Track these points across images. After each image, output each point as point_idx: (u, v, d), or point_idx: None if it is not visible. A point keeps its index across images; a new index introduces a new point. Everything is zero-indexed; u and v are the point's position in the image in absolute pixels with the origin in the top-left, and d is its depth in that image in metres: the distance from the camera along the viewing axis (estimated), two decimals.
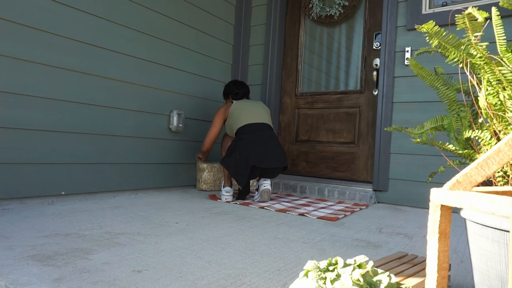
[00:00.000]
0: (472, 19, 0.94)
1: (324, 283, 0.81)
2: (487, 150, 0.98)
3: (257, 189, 2.72)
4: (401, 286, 0.92)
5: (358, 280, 0.79)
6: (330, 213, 2.32)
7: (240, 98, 2.90)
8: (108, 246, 1.42)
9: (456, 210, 2.30)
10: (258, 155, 2.54)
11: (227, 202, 2.62)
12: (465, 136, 1.01)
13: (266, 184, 2.60)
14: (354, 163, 3.20)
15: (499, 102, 0.94)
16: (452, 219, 2.25)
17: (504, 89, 0.93)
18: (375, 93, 3.07)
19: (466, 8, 0.96)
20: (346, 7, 3.30)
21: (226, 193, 2.63)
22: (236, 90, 2.91)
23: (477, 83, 1.02)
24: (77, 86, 2.32)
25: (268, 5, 3.62)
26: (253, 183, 3.23)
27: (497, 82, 0.94)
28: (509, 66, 0.91)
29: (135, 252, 1.36)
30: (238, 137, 2.66)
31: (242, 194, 2.69)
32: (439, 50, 1.06)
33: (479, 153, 1.03)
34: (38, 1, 2.10)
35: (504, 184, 0.96)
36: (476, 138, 1.00)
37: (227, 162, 2.58)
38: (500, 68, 0.92)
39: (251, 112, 2.72)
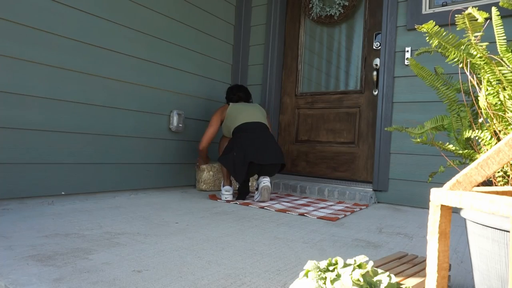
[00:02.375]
0: (472, 19, 0.94)
1: (324, 283, 0.81)
2: (487, 150, 0.98)
3: (256, 189, 2.72)
4: (401, 286, 0.92)
5: (358, 280, 0.79)
6: (330, 213, 2.32)
7: (236, 102, 2.96)
8: (108, 246, 1.42)
9: (456, 210, 2.29)
10: (255, 151, 2.57)
11: (227, 201, 2.62)
12: (465, 136, 1.01)
13: (266, 181, 2.61)
14: (354, 163, 3.20)
15: (499, 102, 0.94)
16: (452, 219, 2.25)
17: (504, 89, 0.93)
18: (375, 93, 3.07)
19: (466, 8, 0.96)
20: (346, 7, 3.30)
21: (226, 192, 2.64)
22: (231, 95, 2.99)
23: (477, 83, 1.02)
24: (77, 86, 2.32)
25: (268, 5, 3.62)
26: (252, 183, 3.23)
27: (497, 82, 0.94)
28: (509, 66, 0.91)
29: (135, 252, 1.36)
30: (235, 136, 2.70)
31: (242, 194, 2.69)
32: (439, 50, 1.06)
33: (479, 153, 1.03)
34: (38, 1, 2.10)
35: (504, 184, 0.96)
36: (476, 138, 1.00)
37: (224, 159, 2.60)
38: (500, 68, 0.92)
39: (247, 113, 2.78)
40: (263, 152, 2.59)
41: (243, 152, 2.56)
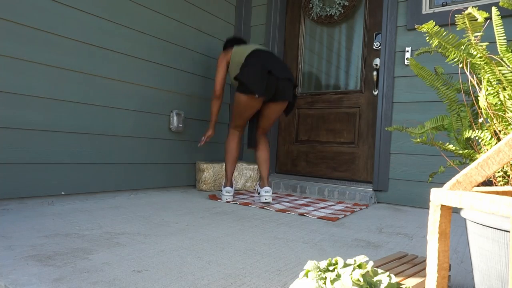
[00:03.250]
0: (472, 19, 0.94)
1: (324, 283, 0.81)
2: (487, 150, 0.98)
3: (258, 192, 2.70)
4: (401, 286, 0.92)
5: (358, 280, 0.79)
6: (330, 213, 2.32)
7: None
8: (108, 246, 1.42)
9: (456, 210, 2.30)
10: (272, 65, 2.50)
11: (227, 202, 2.62)
12: (465, 136, 1.01)
13: (268, 197, 2.53)
14: (354, 163, 3.20)
15: (499, 102, 0.94)
16: (452, 219, 2.25)
17: (504, 89, 0.93)
18: (375, 93, 3.07)
19: (466, 8, 0.96)
20: (346, 7, 3.30)
21: (227, 193, 2.62)
22: (228, 43, 2.86)
23: (477, 83, 1.02)
24: (77, 86, 2.32)
25: (268, 5, 3.62)
26: (252, 183, 3.23)
27: (497, 82, 0.94)
28: (509, 66, 0.91)
29: (135, 252, 1.36)
30: (248, 57, 2.59)
31: (251, 141, 2.74)
32: (439, 50, 1.06)
33: (479, 153, 1.03)
34: (38, 1, 2.10)
35: (504, 184, 0.96)
36: (476, 138, 1.00)
37: (241, 74, 2.48)
38: (500, 68, 0.92)
39: (255, 46, 2.70)
40: (280, 67, 2.54)
41: (260, 63, 2.47)
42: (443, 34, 1.02)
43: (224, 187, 2.66)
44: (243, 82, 2.44)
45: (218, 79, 2.77)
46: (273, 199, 2.77)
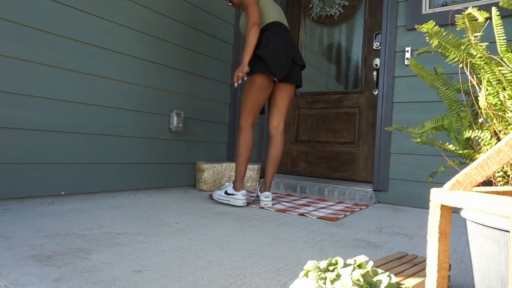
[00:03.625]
0: (472, 19, 0.94)
1: (324, 283, 0.81)
2: (487, 150, 0.98)
3: (257, 196, 2.68)
4: (401, 286, 0.92)
5: (358, 280, 0.79)
6: (330, 213, 2.32)
7: None
8: (108, 246, 1.42)
9: (456, 210, 2.30)
10: (293, 52, 2.50)
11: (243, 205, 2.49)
12: (465, 136, 1.01)
13: (267, 202, 2.48)
14: (354, 163, 3.20)
15: (499, 102, 0.94)
16: (452, 219, 2.25)
17: (504, 89, 0.93)
18: (375, 93, 3.07)
19: (466, 8, 0.96)
20: (346, 7, 3.30)
21: (243, 196, 2.45)
22: None
23: (477, 83, 1.02)
24: (77, 86, 2.32)
25: None
26: (252, 183, 3.23)
27: (497, 82, 0.94)
28: (509, 66, 0.91)
29: (135, 252, 1.36)
30: (269, 31, 2.51)
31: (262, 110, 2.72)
32: (439, 50, 1.06)
33: (479, 153, 1.03)
34: (38, 1, 2.10)
35: (504, 184, 0.96)
36: (476, 138, 1.00)
37: (265, 51, 2.41)
38: (500, 68, 0.92)
39: (280, 13, 2.64)
40: (298, 52, 2.55)
41: (284, 48, 2.44)
42: (443, 34, 1.02)
43: (238, 190, 2.46)
44: (266, 62, 2.39)
45: (253, 13, 2.44)
46: (273, 199, 2.76)
